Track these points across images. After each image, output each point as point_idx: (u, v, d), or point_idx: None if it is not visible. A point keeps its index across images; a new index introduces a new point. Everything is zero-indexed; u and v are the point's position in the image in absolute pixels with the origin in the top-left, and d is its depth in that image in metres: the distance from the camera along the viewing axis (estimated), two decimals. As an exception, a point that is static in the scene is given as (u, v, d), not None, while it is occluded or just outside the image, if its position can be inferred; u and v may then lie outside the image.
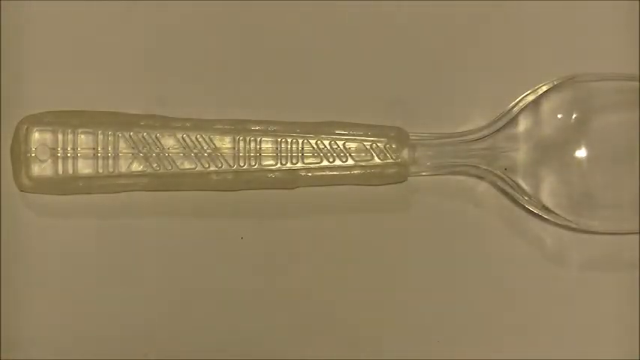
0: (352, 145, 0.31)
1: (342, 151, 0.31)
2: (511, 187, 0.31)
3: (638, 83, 0.31)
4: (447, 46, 0.32)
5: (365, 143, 0.31)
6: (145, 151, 0.31)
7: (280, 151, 0.31)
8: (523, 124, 0.31)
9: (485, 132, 0.31)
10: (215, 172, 0.31)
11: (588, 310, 0.32)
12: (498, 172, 0.31)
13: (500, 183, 0.31)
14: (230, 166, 0.31)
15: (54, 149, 0.30)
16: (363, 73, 0.32)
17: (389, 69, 0.32)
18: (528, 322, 0.32)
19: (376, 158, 0.31)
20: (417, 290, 0.32)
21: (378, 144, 0.31)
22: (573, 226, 0.31)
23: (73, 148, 0.30)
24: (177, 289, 0.31)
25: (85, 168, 0.30)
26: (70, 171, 0.30)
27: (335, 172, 0.31)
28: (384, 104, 0.32)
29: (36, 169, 0.30)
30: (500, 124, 0.31)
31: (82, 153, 0.30)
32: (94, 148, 0.30)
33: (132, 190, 0.31)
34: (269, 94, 0.32)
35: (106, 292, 0.31)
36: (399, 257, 0.32)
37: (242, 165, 0.31)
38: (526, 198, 0.31)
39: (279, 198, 0.32)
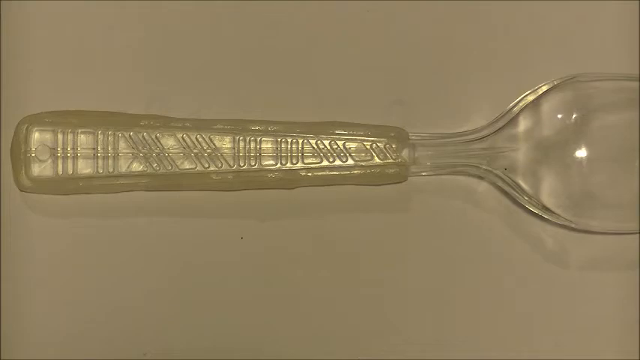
0: (352, 145, 0.31)
1: (342, 151, 0.31)
2: (511, 187, 0.31)
3: (638, 83, 0.31)
4: (447, 46, 0.32)
5: (365, 143, 0.31)
6: (145, 151, 0.31)
7: (280, 151, 0.31)
8: (523, 124, 0.31)
9: (485, 132, 0.31)
10: (215, 172, 0.31)
11: (588, 310, 0.32)
12: (498, 172, 0.31)
13: (500, 183, 0.31)
14: (230, 166, 0.31)
15: (54, 149, 0.30)
16: (363, 73, 0.32)
17: (389, 69, 0.32)
18: (528, 322, 0.32)
19: (376, 158, 0.31)
20: (417, 290, 0.32)
21: (378, 144, 0.31)
22: (573, 226, 0.31)
23: (72, 148, 0.30)
24: (176, 288, 0.31)
25: (84, 168, 0.30)
26: (70, 171, 0.30)
27: (335, 172, 0.31)
28: (384, 104, 0.32)
29: (36, 169, 0.30)
30: (500, 124, 0.31)
31: (82, 153, 0.30)
32: (94, 148, 0.30)
33: (132, 190, 0.31)
34: (269, 94, 0.32)
35: (105, 291, 0.31)
36: (399, 257, 0.32)
37: (242, 165, 0.31)
38: (526, 198, 0.31)
39: (279, 198, 0.32)
